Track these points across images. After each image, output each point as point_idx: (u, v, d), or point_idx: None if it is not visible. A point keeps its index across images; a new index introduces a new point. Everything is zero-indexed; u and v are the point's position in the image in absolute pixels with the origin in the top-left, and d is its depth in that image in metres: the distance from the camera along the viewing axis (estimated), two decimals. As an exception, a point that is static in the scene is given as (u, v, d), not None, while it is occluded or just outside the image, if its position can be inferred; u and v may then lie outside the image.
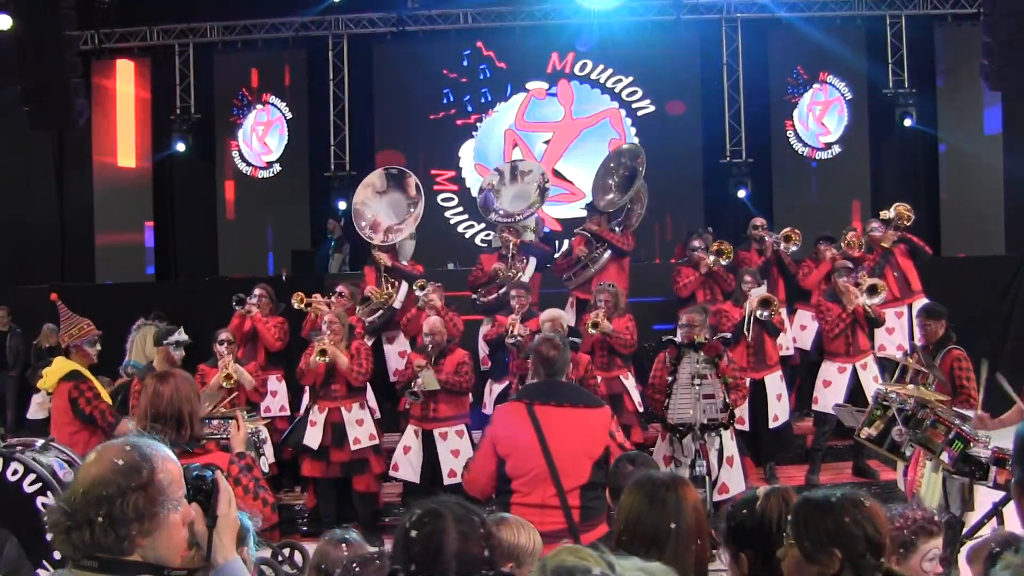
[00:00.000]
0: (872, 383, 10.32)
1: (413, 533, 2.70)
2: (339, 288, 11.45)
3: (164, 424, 4.41)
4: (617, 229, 12.14)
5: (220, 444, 4.92)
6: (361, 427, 10.06)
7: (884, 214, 11.69)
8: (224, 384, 9.69)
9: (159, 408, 4.46)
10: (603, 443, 5.55)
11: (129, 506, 2.60)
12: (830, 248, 11.79)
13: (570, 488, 5.36)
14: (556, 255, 13.44)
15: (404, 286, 11.59)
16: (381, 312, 11.51)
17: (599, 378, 10.14)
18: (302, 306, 10.94)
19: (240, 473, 4.51)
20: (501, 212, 12.38)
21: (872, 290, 10.62)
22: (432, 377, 9.68)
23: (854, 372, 10.60)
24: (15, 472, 6.16)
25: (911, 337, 11.11)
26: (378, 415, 10.93)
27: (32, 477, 6.15)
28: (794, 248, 11.81)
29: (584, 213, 13.79)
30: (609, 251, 11.90)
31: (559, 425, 5.53)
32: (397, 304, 11.56)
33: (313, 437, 9.95)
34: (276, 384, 11.47)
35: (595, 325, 10.17)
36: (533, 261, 11.86)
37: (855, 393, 10.40)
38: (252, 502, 4.48)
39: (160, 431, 4.33)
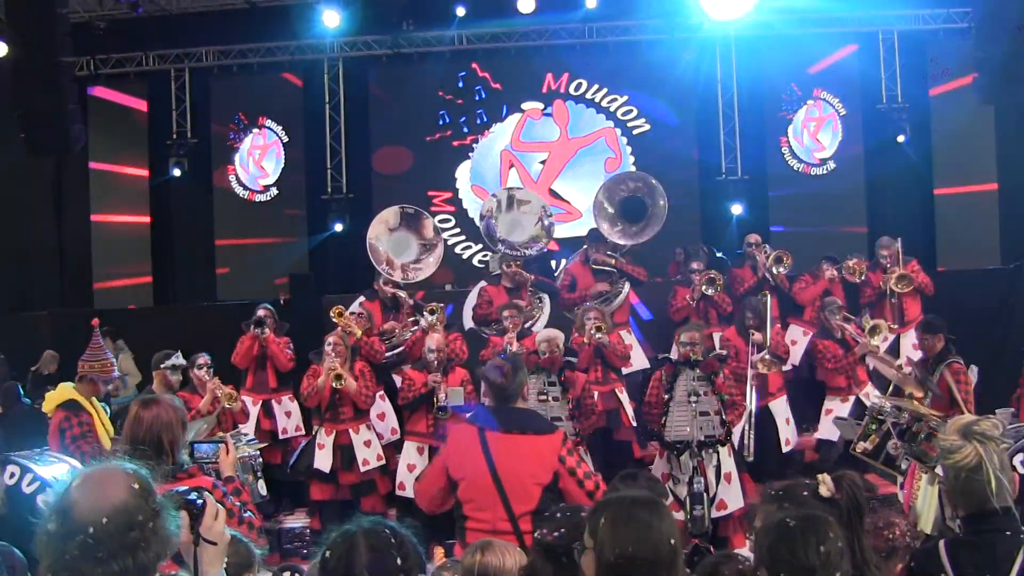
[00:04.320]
0: None
1: (327, 553, 2.80)
2: (356, 309, 11.50)
3: (143, 450, 4.43)
4: (615, 255, 12.18)
5: (206, 468, 4.94)
6: (369, 448, 10.14)
7: (892, 275, 11.76)
8: (228, 405, 9.77)
9: (138, 434, 4.49)
10: (552, 469, 5.57)
11: (160, 528, 2.68)
12: (831, 268, 11.87)
13: (520, 514, 5.40)
14: (556, 275, 13.42)
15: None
16: (401, 349, 11.51)
17: (596, 394, 10.19)
18: (338, 319, 10.96)
19: (224, 497, 4.53)
20: (513, 245, 12.36)
21: (873, 330, 10.71)
22: (459, 392, 9.73)
23: (858, 400, 10.68)
24: (12, 475, 6.20)
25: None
26: (398, 436, 10.96)
27: (29, 477, 6.19)
28: (783, 270, 11.86)
29: (581, 232, 13.79)
30: (628, 283, 11.95)
31: (508, 452, 5.57)
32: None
33: (323, 460, 9.98)
34: (289, 404, 11.53)
35: (599, 329, 10.22)
36: (548, 302, 11.90)
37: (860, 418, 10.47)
38: (237, 526, 4.50)
39: (139, 456, 4.37)
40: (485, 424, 5.67)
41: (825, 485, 3.90)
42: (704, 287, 11.70)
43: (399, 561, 2.71)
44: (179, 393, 9.88)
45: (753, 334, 10.78)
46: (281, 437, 11.25)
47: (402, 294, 11.90)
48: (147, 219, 19.10)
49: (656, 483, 5.38)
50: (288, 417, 11.52)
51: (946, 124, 17.11)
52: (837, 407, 10.86)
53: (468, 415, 6.20)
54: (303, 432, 11.55)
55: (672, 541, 3.24)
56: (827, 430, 10.87)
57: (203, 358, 10.19)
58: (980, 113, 16.08)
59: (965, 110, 16.29)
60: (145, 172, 19.06)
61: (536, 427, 5.86)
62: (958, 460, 3.72)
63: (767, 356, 10.69)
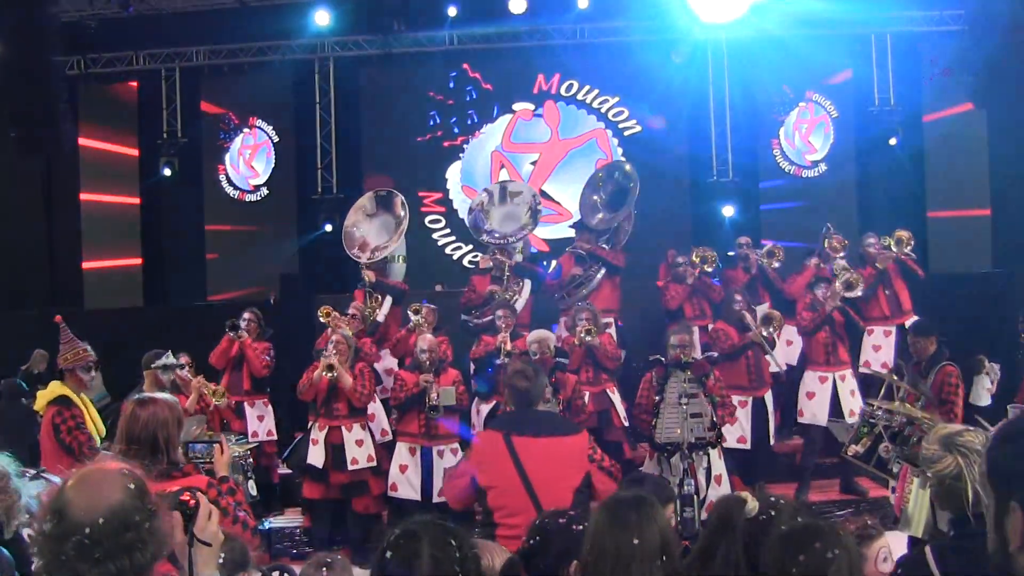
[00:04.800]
0: (849, 397, 10.50)
1: (388, 554, 2.75)
2: (351, 311, 11.52)
3: (139, 448, 4.41)
4: (606, 247, 12.19)
5: (201, 468, 4.92)
6: (360, 448, 10.13)
7: (887, 239, 11.73)
8: (217, 402, 9.78)
9: (134, 432, 4.46)
10: (583, 469, 5.59)
11: (155, 528, 2.67)
12: (814, 258, 11.92)
13: None
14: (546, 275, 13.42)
15: (388, 300, 11.68)
16: (366, 328, 11.57)
17: (587, 395, 10.19)
18: (326, 319, 11.02)
19: (219, 496, 4.51)
20: (496, 234, 12.40)
21: (848, 285, 10.69)
22: (451, 392, 9.73)
23: (834, 383, 10.69)
24: None
25: (897, 356, 11.18)
26: (390, 437, 10.97)
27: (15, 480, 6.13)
28: (777, 264, 11.86)
29: (572, 233, 13.81)
30: (603, 269, 11.94)
31: (537, 456, 5.55)
32: (380, 317, 11.65)
33: (316, 456, 9.99)
34: (263, 408, 11.53)
35: (588, 332, 10.23)
36: (528, 284, 11.91)
37: (834, 406, 10.50)
38: (231, 526, 4.48)
39: (134, 455, 4.34)
40: (512, 429, 5.66)
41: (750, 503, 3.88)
42: (698, 262, 11.71)
43: (457, 568, 2.67)
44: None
45: (746, 316, 10.80)
46: (251, 440, 11.24)
47: (371, 275, 11.96)
48: (137, 219, 19.02)
49: (663, 486, 5.39)
50: (260, 421, 11.54)
51: (941, 150, 17.16)
52: (817, 388, 10.86)
53: (494, 420, 6.21)
54: (274, 436, 11.59)
55: (635, 541, 3.26)
56: (808, 415, 10.93)
57: (184, 358, 10.22)
58: (974, 140, 16.17)
59: (959, 136, 16.40)
60: (135, 171, 18.99)
61: (563, 429, 5.89)
62: (940, 469, 3.80)
63: (769, 311, 10.75)
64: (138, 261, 18.99)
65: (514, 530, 5.40)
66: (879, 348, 11.54)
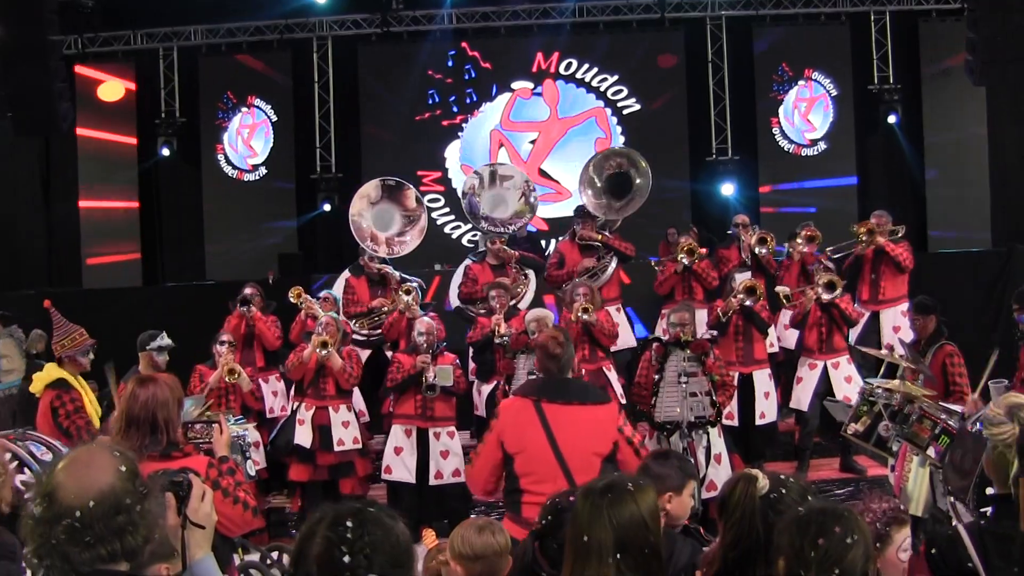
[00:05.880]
0: (843, 383, 10.41)
1: (296, 537, 2.74)
2: (323, 294, 11.48)
3: (137, 429, 4.38)
4: (609, 234, 12.12)
5: (202, 448, 4.90)
6: (347, 429, 10.09)
7: (859, 227, 11.64)
8: (227, 378, 9.76)
9: (133, 412, 4.43)
10: (612, 439, 5.56)
11: (147, 511, 2.65)
12: (793, 258, 11.88)
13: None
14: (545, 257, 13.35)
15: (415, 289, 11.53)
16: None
17: (583, 371, 10.14)
18: (297, 300, 10.99)
19: (219, 477, 4.49)
20: (496, 222, 12.29)
21: (830, 286, 10.62)
22: (448, 371, 9.69)
23: (825, 370, 10.63)
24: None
25: (860, 340, 11.15)
26: (367, 418, 10.96)
27: (8, 456, 6.12)
28: (764, 252, 11.77)
29: (570, 212, 13.76)
30: (616, 259, 11.87)
31: (568, 423, 5.52)
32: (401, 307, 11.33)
33: (303, 436, 9.96)
34: (276, 384, 11.50)
35: (585, 310, 10.17)
36: (533, 278, 11.82)
37: (828, 392, 10.46)
38: (232, 506, 4.46)
39: (133, 435, 4.32)
40: (542, 396, 5.63)
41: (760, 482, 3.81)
42: (683, 257, 11.62)
43: (347, 559, 2.61)
44: (200, 367, 10.09)
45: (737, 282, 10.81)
46: (268, 416, 11.23)
47: (389, 270, 11.84)
48: (135, 199, 19.01)
49: (686, 462, 5.35)
50: (275, 396, 11.50)
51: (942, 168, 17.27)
52: (806, 374, 10.83)
53: (521, 387, 6.16)
54: (288, 413, 11.55)
55: (585, 538, 3.24)
56: (796, 400, 10.91)
57: (225, 335, 10.25)
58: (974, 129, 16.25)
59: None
60: (134, 151, 18.96)
61: (594, 397, 5.85)
62: (996, 434, 3.81)
63: (751, 281, 10.66)
64: (137, 244, 19.01)
65: (541, 497, 5.36)
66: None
